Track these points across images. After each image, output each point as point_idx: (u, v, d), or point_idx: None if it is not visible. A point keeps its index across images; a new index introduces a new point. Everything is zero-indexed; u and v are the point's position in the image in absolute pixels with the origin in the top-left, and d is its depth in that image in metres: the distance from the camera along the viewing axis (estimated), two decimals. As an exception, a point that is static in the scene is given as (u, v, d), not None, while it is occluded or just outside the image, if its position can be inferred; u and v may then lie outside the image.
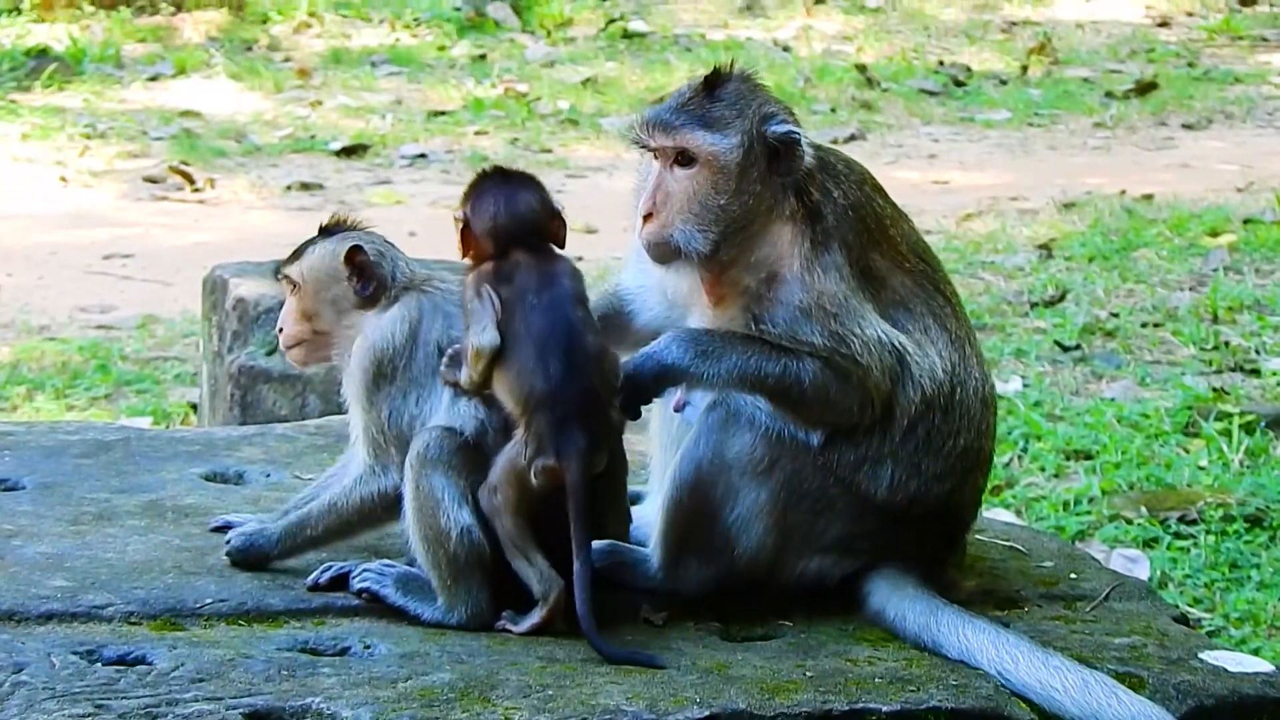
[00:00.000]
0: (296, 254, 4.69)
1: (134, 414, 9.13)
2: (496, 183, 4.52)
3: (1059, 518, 7.72)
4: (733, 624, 4.56)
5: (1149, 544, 7.50)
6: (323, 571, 4.56)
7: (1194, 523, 7.62)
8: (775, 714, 4.03)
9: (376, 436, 4.52)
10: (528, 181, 4.54)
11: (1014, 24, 21.06)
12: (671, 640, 4.42)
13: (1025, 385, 9.28)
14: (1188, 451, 8.38)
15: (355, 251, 4.59)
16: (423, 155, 15.41)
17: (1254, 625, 6.90)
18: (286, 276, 4.67)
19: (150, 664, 4.11)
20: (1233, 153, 15.76)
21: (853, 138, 16.03)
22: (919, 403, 4.56)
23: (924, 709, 4.11)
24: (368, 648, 4.29)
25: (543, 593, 4.35)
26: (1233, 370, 9.56)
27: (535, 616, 4.38)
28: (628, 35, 20.01)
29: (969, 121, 17.15)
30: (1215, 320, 10.28)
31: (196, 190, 14.11)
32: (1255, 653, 6.05)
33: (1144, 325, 10.26)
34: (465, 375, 4.39)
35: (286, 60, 18.66)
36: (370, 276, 4.59)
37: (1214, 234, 12.10)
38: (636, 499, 4.76)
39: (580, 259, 4.58)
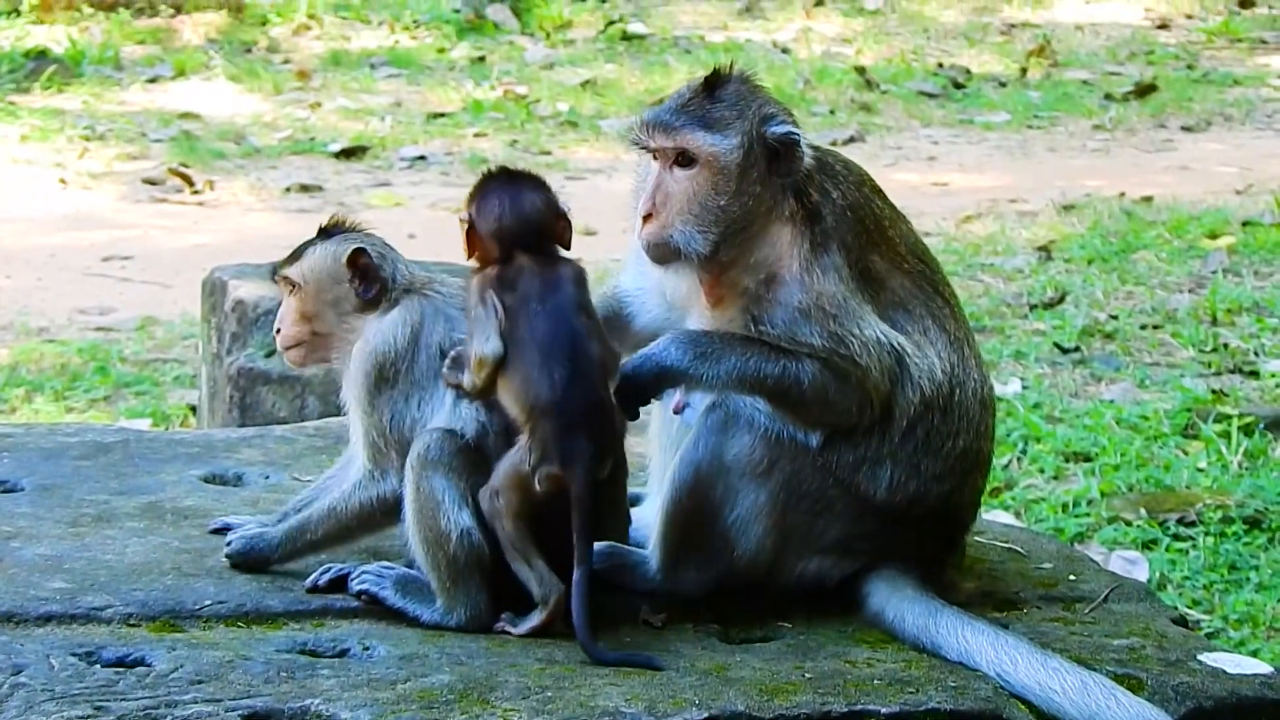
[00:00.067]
0: (295, 255, 4.68)
1: (133, 416, 9.13)
2: (501, 183, 4.50)
3: (1058, 519, 7.72)
4: (732, 625, 4.56)
5: (1148, 546, 7.50)
6: (322, 573, 4.56)
7: (1193, 524, 7.62)
8: (774, 715, 4.03)
9: (377, 440, 4.51)
10: (533, 182, 4.52)
11: (1013, 26, 21.06)
12: (670, 642, 4.42)
13: (1024, 387, 9.28)
14: (1187, 453, 8.38)
15: (359, 254, 4.58)
16: (422, 157, 15.41)
17: (1253, 627, 6.90)
18: (286, 278, 4.66)
19: (149, 666, 4.11)
20: (1232, 155, 15.77)
21: (852, 139, 16.03)
22: (918, 404, 4.56)
23: (923, 710, 4.11)
24: (367, 649, 4.29)
25: (542, 596, 4.35)
26: (1232, 372, 9.57)
27: (535, 619, 4.38)
28: (627, 37, 20.02)
29: (968, 123, 17.15)
30: (1214, 322, 10.28)
31: (196, 192, 14.11)
32: (1254, 654, 6.04)
33: (1143, 327, 10.27)
34: (468, 379, 4.39)
35: (286, 62, 18.67)
36: (373, 279, 4.59)
37: (1213, 236, 12.10)
38: (636, 500, 4.76)
39: (580, 260, 4.56)
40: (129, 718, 3.86)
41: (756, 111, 4.56)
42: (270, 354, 7.72)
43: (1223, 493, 7.82)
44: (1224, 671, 4.45)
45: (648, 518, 4.68)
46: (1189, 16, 21.57)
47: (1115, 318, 10.40)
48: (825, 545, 4.58)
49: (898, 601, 4.54)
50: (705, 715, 4.00)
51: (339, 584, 4.54)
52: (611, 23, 20.35)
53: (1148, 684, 4.34)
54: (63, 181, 14.38)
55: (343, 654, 4.29)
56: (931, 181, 14.78)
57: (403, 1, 20.66)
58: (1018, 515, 7.69)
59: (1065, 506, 7.86)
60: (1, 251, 12.40)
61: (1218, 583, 7.23)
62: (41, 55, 17.61)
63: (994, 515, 6.97)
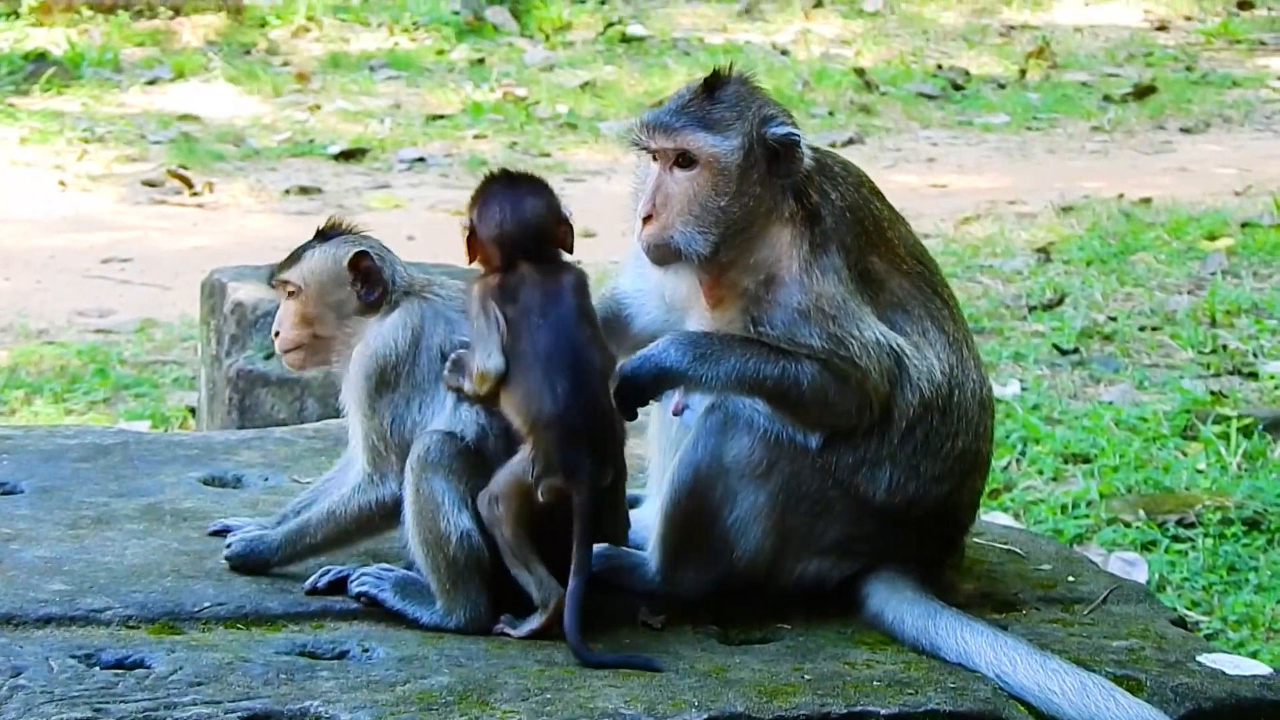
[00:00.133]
0: (294, 258, 4.66)
1: (132, 418, 9.13)
2: (503, 189, 4.47)
3: (1057, 521, 7.72)
4: (731, 627, 4.56)
5: (1147, 547, 7.50)
6: (321, 575, 4.56)
7: (1192, 526, 7.62)
8: (773, 717, 4.03)
9: (377, 444, 4.51)
10: (534, 186, 4.49)
11: (1012, 28, 21.07)
12: (670, 643, 4.42)
13: (1023, 389, 9.28)
14: (1186, 455, 8.38)
15: (361, 256, 4.58)
16: (421, 159, 15.41)
17: (1252, 628, 6.90)
18: (285, 281, 4.64)
19: (148, 667, 4.11)
20: (1231, 156, 15.77)
21: (851, 141, 16.04)
22: (917, 405, 4.56)
23: (922, 712, 4.11)
24: (366, 651, 4.29)
25: (542, 599, 4.35)
26: (1231, 374, 9.57)
27: (534, 621, 4.38)
28: (626, 39, 20.02)
29: (967, 125, 17.15)
30: (1213, 324, 10.28)
31: (195, 194, 14.11)
32: (1253, 655, 6.05)
33: (1142, 329, 10.27)
34: (469, 386, 4.39)
35: (285, 64, 18.67)
36: (376, 281, 4.58)
37: (1212, 238, 12.11)
38: (635, 502, 4.76)
39: (579, 262, 4.56)
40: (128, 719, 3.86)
41: (757, 112, 4.56)
42: (269, 356, 7.72)
43: (1222, 494, 7.82)
44: (1223, 673, 4.46)
45: (647, 519, 4.68)
46: (1188, 18, 21.57)
47: (1114, 319, 10.40)
48: (824, 546, 4.58)
49: (897, 603, 4.54)
50: (705, 717, 4.00)
51: (338, 586, 4.54)
52: (611, 25, 20.35)
53: (1147, 685, 4.35)
54: (62, 183, 14.38)
55: (342, 656, 4.29)
56: (930, 183, 14.78)
57: (402, 3, 20.66)
58: (1017, 517, 7.69)
59: (1064, 508, 7.86)
60: (1, 253, 12.40)
61: (1217, 584, 7.24)
62: (41, 57, 17.62)
63: (993, 517, 6.97)
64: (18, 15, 18.98)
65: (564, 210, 4.49)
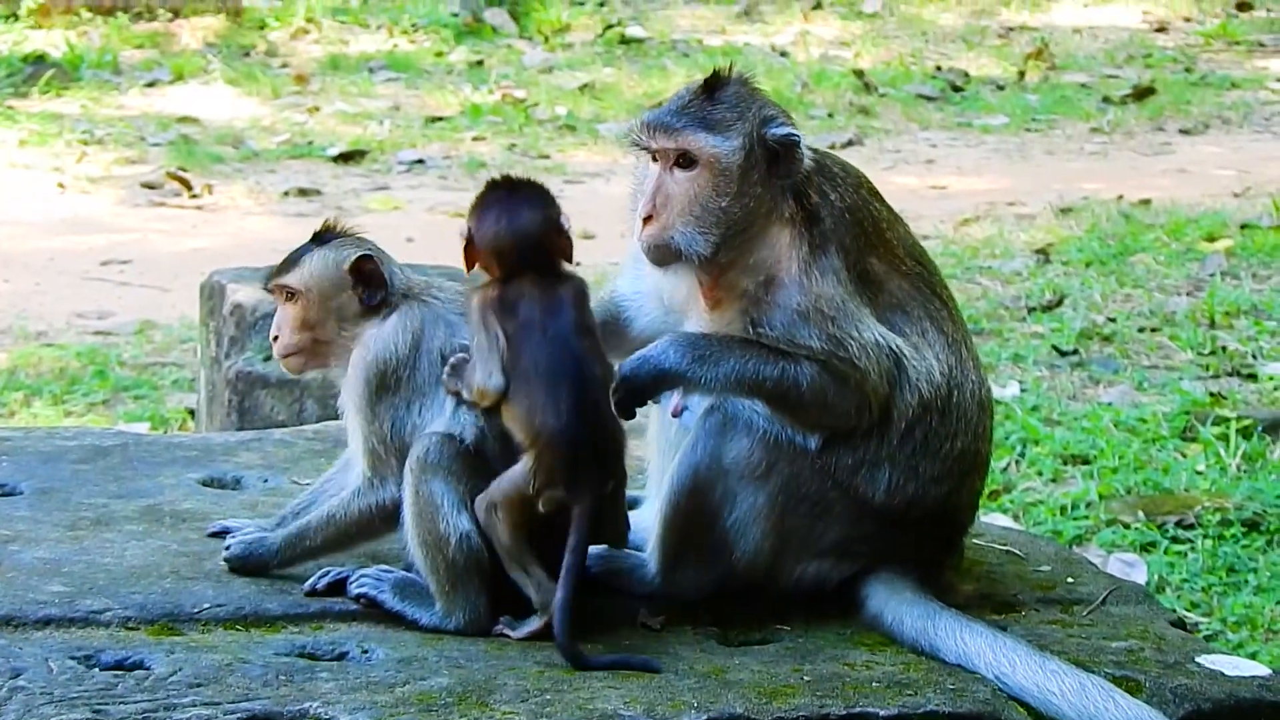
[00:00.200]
0: (291, 262, 4.63)
1: (131, 419, 9.13)
2: (501, 198, 4.44)
3: (1056, 522, 7.72)
4: (730, 628, 4.56)
5: (1146, 548, 7.50)
6: (320, 577, 4.56)
7: (1191, 527, 7.62)
8: (773, 718, 4.03)
9: (377, 447, 4.50)
10: (534, 196, 4.45)
11: (1011, 29, 21.07)
12: (669, 645, 4.42)
13: (1023, 390, 9.28)
14: (1185, 456, 8.38)
15: (364, 260, 4.57)
16: (420, 161, 15.41)
17: (1251, 629, 6.90)
18: (284, 286, 4.62)
19: (148, 669, 4.11)
20: (1230, 158, 15.77)
21: (850, 143, 16.04)
22: (916, 406, 4.56)
23: (922, 713, 4.11)
24: (365, 653, 4.30)
25: (541, 601, 4.34)
26: (1230, 375, 9.57)
27: (533, 623, 4.38)
28: (625, 41, 20.02)
29: (966, 126, 17.16)
30: (1212, 325, 10.28)
31: (194, 196, 14.11)
32: (1252, 657, 6.05)
33: (1141, 330, 10.27)
34: (470, 396, 4.38)
35: (284, 66, 18.67)
36: (377, 285, 4.57)
37: (1211, 239, 12.11)
38: (634, 503, 4.76)
39: (578, 265, 4.55)
40: (128, 721, 3.86)
41: (756, 113, 4.56)
42: (268, 358, 7.72)
43: (1221, 495, 7.82)
44: (1222, 674, 4.46)
45: (646, 521, 4.68)
46: (1187, 19, 21.58)
47: (1113, 320, 10.40)
48: (824, 548, 4.58)
49: (896, 604, 4.54)
50: (704, 718, 4.00)
51: (338, 587, 4.53)
52: (610, 26, 20.35)
53: (1146, 686, 4.35)
54: (61, 186, 14.38)
55: (341, 657, 4.29)
56: (929, 184, 14.78)
57: (401, 5, 20.67)
58: (1016, 518, 7.69)
59: (1063, 509, 7.86)
60: (0, 255, 12.39)
61: (1216, 585, 7.23)
62: (40, 60, 17.63)
63: (992, 518, 6.96)
64: (17, 17, 18.98)
65: (563, 221, 4.44)
